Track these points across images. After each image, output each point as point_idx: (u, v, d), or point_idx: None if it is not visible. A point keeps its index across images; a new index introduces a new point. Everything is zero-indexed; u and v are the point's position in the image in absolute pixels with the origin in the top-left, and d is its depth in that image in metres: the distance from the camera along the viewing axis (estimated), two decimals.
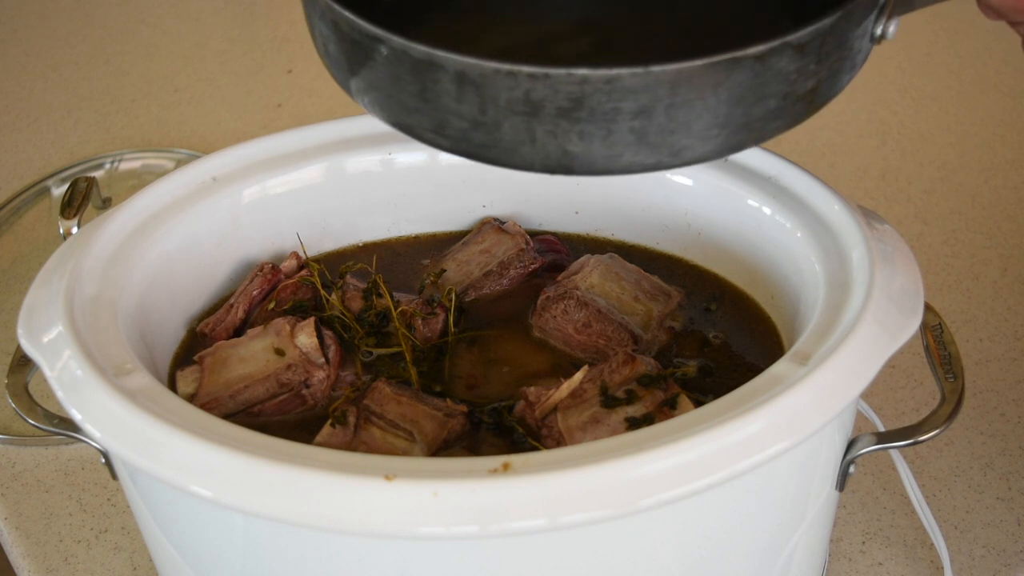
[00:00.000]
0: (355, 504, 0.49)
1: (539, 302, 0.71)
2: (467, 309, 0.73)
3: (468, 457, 0.59)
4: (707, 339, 0.70)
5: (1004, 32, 0.63)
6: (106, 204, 0.98)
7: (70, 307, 0.60)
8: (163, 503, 0.59)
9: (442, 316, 0.70)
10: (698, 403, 0.60)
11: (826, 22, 0.54)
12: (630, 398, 0.61)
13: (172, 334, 0.70)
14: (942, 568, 0.72)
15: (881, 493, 0.80)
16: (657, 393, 0.61)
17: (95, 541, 0.79)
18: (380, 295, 0.71)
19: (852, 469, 0.62)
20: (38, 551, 0.78)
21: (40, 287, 0.63)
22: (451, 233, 0.80)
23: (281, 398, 0.65)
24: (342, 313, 0.70)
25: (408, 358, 0.68)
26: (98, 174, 1.18)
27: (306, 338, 0.66)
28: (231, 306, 0.71)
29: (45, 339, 0.59)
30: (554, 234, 0.79)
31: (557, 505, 0.49)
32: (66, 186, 1.00)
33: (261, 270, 0.72)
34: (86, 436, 0.59)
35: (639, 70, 0.52)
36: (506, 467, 0.49)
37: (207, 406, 0.64)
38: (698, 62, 0.52)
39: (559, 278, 0.72)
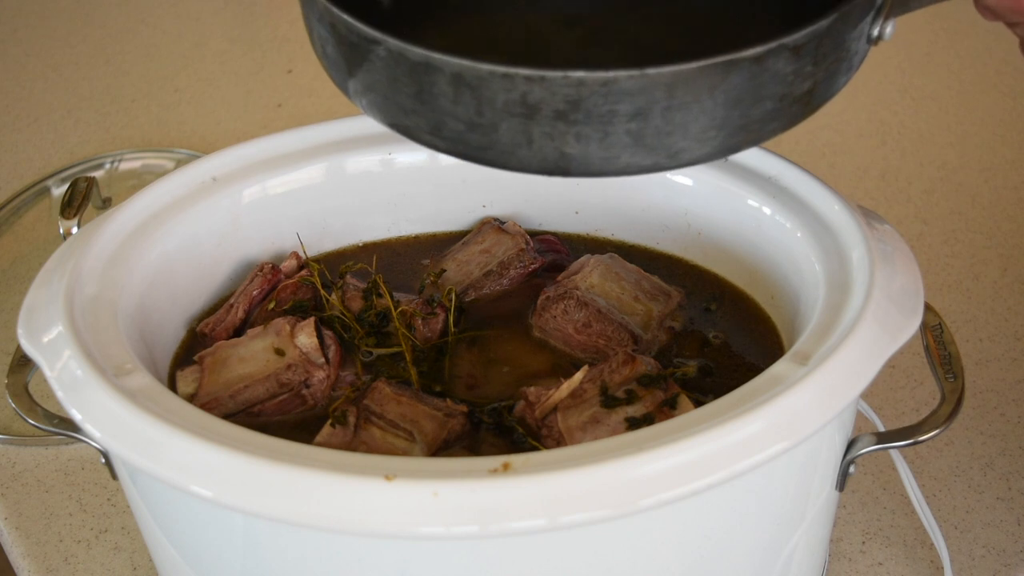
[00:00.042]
0: (355, 504, 0.49)
1: (539, 302, 0.71)
2: (467, 309, 0.73)
3: (468, 457, 0.59)
4: (707, 339, 0.70)
5: (1004, 32, 0.63)
6: (106, 204, 0.98)
7: (70, 307, 0.60)
8: (163, 503, 0.59)
9: (442, 316, 0.70)
10: (698, 403, 0.60)
11: (822, 24, 0.54)
12: (630, 398, 0.61)
13: (172, 334, 0.70)
14: (942, 568, 0.72)
15: (881, 493, 0.80)
16: (657, 393, 0.61)
17: (95, 541, 0.79)
18: (380, 295, 0.71)
19: (852, 469, 0.62)
20: (38, 551, 0.78)
21: (40, 287, 0.63)
22: (451, 233, 0.80)
23: (281, 398, 0.65)
24: (342, 313, 0.70)
25: (408, 358, 0.68)
26: (98, 174, 1.18)
27: (306, 338, 0.66)
28: (231, 306, 0.71)
29: (45, 339, 0.59)
30: (554, 234, 0.79)
31: (557, 505, 0.49)
32: (66, 186, 1.00)
33: (261, 270, 0.72)
34: (86, 436, 0.59)
35: (635, 72, 0.52)
36: (506, 467, 0.49)
37: (207, 406, 0.64)
38: (694, 64, 0.52)
39: (559, 278, 0.72)
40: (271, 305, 0.71)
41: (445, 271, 0.75)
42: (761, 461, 0.51)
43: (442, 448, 0.62)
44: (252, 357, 0.66)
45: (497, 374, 0.68)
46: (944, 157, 1.17)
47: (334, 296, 0.72)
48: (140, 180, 1.17)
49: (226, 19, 1.54)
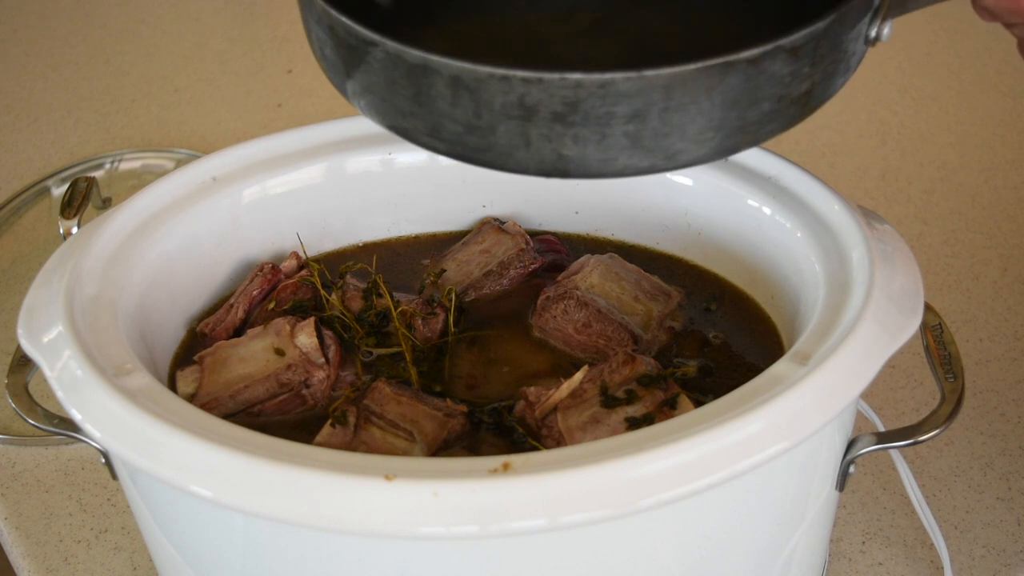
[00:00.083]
0: (355, 504, 0.49)
1: (539, 302, 0.71)
2: (467, 309, 0.73)
3: (468, 457, 0.59)
4: (707, 339, 0.70)
5: (1004, 32, 0.63)
6: (106, 204, 0.98)
7: (70, 307, 0.60)
8: (163, 503, 0.59)
9: (442, 316, 0.70)
10: (698, 403, 0.60)
11: (820, 25, 0.54)
12: (630, 398, 0.61)
13: (172, 334, 0.70)
14: (942, 568, 0.72)
15: (881, 493, 0.80)
16: (657, 393, 0.61)
17: (95, 541, 0.79)
18: (380, 295, 0.71)
19: (852, 469, 0.62)
20: (38, 551, 0.78)
21: (40, 287, 0.63)
22: (451, 233, 0.80)
23: (281, 398, 0.65)
24: (342, 313, 0.70)
25: (408, 358, 0.68)
26: (98, 174, 1.18)
27: (306, 338, 0.66)
28: (231, 306, 0.71)
29: (45, 339, 0.59)
30: (554, 234, 0.79)
31: (557, 505, 0.49)
32: (66, 186, 1.00)
33: (261, 270, 0.72)
34: (86, 436, 0.59)
35: (633, 74, 0.52)
36: (506, 467, 0.49)
37: (207, 406, 0.64)
38: (691, 66, 0.52)
39: (559, 278, 0.72)
40: (271, 305, 0.71)
41: (445, 271, 0.75)
42: (761, 461, 0.51)
43: (442, 448, 0.62)
44: (252, 357, 0.66)
45: (497, 374, 0.68)
46: (944, 157, 1.17)
47: (334, 296, 0.72)
48: (140, 180, 1.17)
49: (226, 19, 1.54)
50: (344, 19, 0.57)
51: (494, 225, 0.77)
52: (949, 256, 1.03)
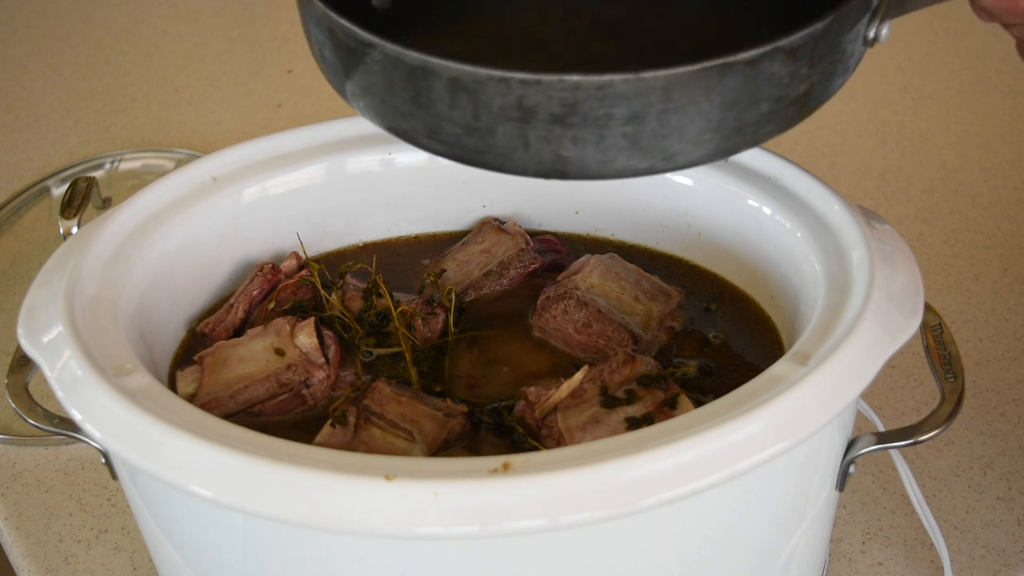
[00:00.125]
0: (355, 504, 0.49)
1: (539, 302, 0.71)
2: (467, 309, 0.73)
3: (468, 457, 0.59)
4: (707, 339, 0.70)
5: (1004, 32, 0.63)
6: (106, 204, 0.98)
7: (70, 307, 0.60)
8: (163, 503, 0.59)
9: (442, 316, 0.70)
10: (698, 403, 0.60)
11: (818, 26, 0.54)
12: (630, 398, 0.61)
13: (172, 334, 0.70)
14: (942, 568, 0.72)
15: (881, 493, 0.80)
16: (657, 393, 0.61)
17: (95, 541, 0.79)
18: (380, 295, 0.71)
19: (852, 469, 0.62)
20: (38, 551, 0.78)
21: (40, 287, 0.63)
22: (451, 233, 0.80)
23: (281, 398, 0.65)
24: (342, 313, 0.70)
25: (408, 358, 0.68)
26: (98, 174, 1.18)
27: (306, 338, 0.66)
28: (231, 306, 0.71)
29: (45, 339, 0.59)
30: (554, 234, 0.79)
31: (557, 505, 0.49)
32: (66, 186, 1.00)
33: (261, 270, 0.72)
34: (86, 436, 0.59)
35: (631, 76, 0.52)
36: (506, 467, 0.49)
37: (207, 406, 0.64)
38: (690, 68, 0.52)
39: (559, 278, 0.72)
40: (271, 305, 0.71)
41: (445, 271, 0.75)
42: (761, 461, 0.51)
43: (442, 448, 0.62)
44: (252, 357, 0.66)
45: (497, 374, 0.68)
46: (944, 157, 1.17)
47: (334, 296, 0.72)
48: (140, 180, 1.17)
49: (226, 19, 1.54)
50: (343, 21, 0.57)
51: (494, 225, 0.77)
52: (949, 256, 1.03)
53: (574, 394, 0.62)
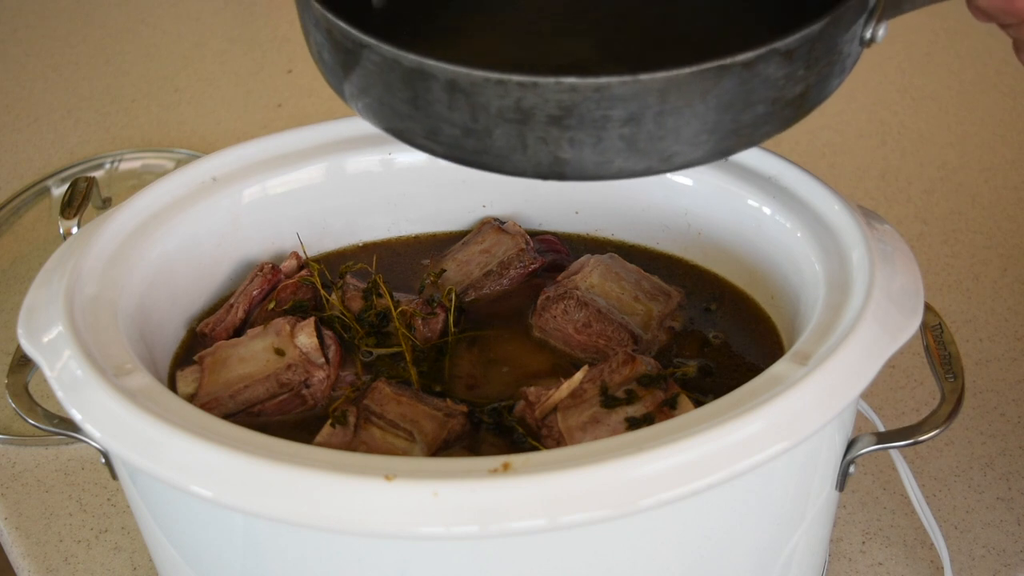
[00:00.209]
0: (355, 504, 0.49)
1: (539, 302, 0.71)
2: (467, 309, 0.73)
3: (468, 457, 0.59)
4: (707, 339, 0.70)
5: (1004, 33, 0.63)
6: (106, 204, 0.98)
7: (70, 307, 0.60)
8: (163, 503, 0.59)
9: (442, 316, 0.70)
10: (698, 403, 0.60)
11: (814, 28, 0.55)
12: (630, 398, 0.61)
13: (172, 334, 0.70)
14: (942, 568, 0.72)
15: (881, 493, 0.80)
16: (657, 393, 0.61)
17: (95, 541, 0.79)
18: (380, 295, 0.71)
19: (852, 469, 0.62)
20: (38, 551, 0.78)
21: (40, 287, 0.63)
22: (451, 233, 0.80)
23: (281, 398, 0.65)
24: (342, 313, 0.70)
25: (408, 358, 0.68)
26: (98, 174, 1.18)
27: (306, 338, 0.66)
28: (231, 306, 0.71)
29: (45, 339, 0.59)
30: (554, 234, 0.79)
31: (557, 505, 0.49)
32: (66, 186, 1.00)
33: (261, 270, 0.72)
34: (86, 436, 0.59)
35: (628, 78, 0.52)
36: (506, 467, 0.49)
37: (207, 406, 0.64)
38: (686, 70, 0.53)
39: (559, 278, 0.72)
40: (271, 305, 0.71)
41: (445, 271, 0.75)
42: (761, 461, 0.51)
43: (442, 448, 0.62)
44: (252, 357, 0.66)
45: (497, 374, 0.68)
46: (944, 157, 1.17)
47: (334, 296, 0.72)
48: (140, 180, 1.17)
49: (226, 19, 1.54)
50: (341, 23, 0.57)
51: (494, 225, 0.77)
52: (949, 256, 1.03)
53: (574, 394, 0.62)
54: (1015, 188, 1.12)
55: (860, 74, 1.29)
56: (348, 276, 0.73)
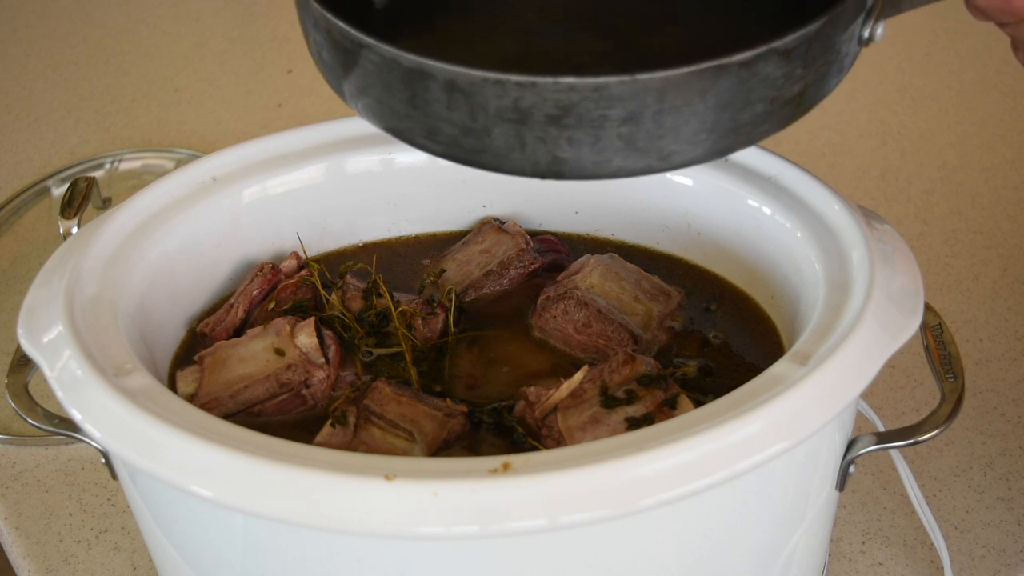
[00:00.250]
0: (355, 504, 0.49)
1: (539, 302, 0.71)
2: (467, 309, 0.73)
3: (468, 457, 0.59)
4: (707, 339, 0.70)
5: (1003, 32, 0.63)
6: (106, 204, 0.98)
7: (70, 307, 0.60)
8: (163, 503, 0.59)
9: (442, 316, 0.70)
10: (698, 403, 0.60)
11: (812, 27, 0.55)
12: (630, 398, 0.61)
13: (172, 334, 0.70)
14: (942, 568, 0.72)
15: (881, 493, 0.80)
16: (657, 393, 0.61)
17: (95, 541, 0.79)
18: (380, 295, 0.71)
19: (852, 469, 0.62)
20: (38, 551, 0.78)
21: (40, 287, 0.63)
22: (451, 233, 0.80)
23: (281, 398, 0.65)
24: (342, 313, 0.70)
25: (408, 358, 0.68)
26: (98, 174, 1.18)
27: (306, 338, 0.66)
28: (231, 306, 0.71)
29: (45, 339, 0.59)
30: (554, 234, 0.79)
31: (557, 505, 0.49)
32: (66, 186, 1.00)
33: (261, 270, 0.72)
34: (86, 436, 0.59)
35: (626, 78, 0.52)
36: (506, 467, 0.49)
37: (207, 406, 0.64)
38: (684, 70, 0.53)
39: (559, 278, 0.72)
40: (271, 305, 0.71)
41: (445, 271, 0.75)
42: (761, 461, 0.51)
43: (442, 448, 0.62)
44: (252, 357, 0.66)
45: (497, 374, 0.68)
46: (944, 157, 1.17)
47: (334, 296, 0.72)
48: (140, 180, 1.17)
49: (226, 19, 1.54)
50: (340, 23, 0.57)
51: (494, 225, 0.77)
52: (949, 256, 1.03)
53: (574, 394, 0.62)
54: (1015, 188, 1.12)
55: (860, 74, 1.29)
56: (348, 276, 0.73)
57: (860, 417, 0.72)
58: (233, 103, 1.33)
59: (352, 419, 0.62)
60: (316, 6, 0.58)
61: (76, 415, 0.54)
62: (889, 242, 0.64)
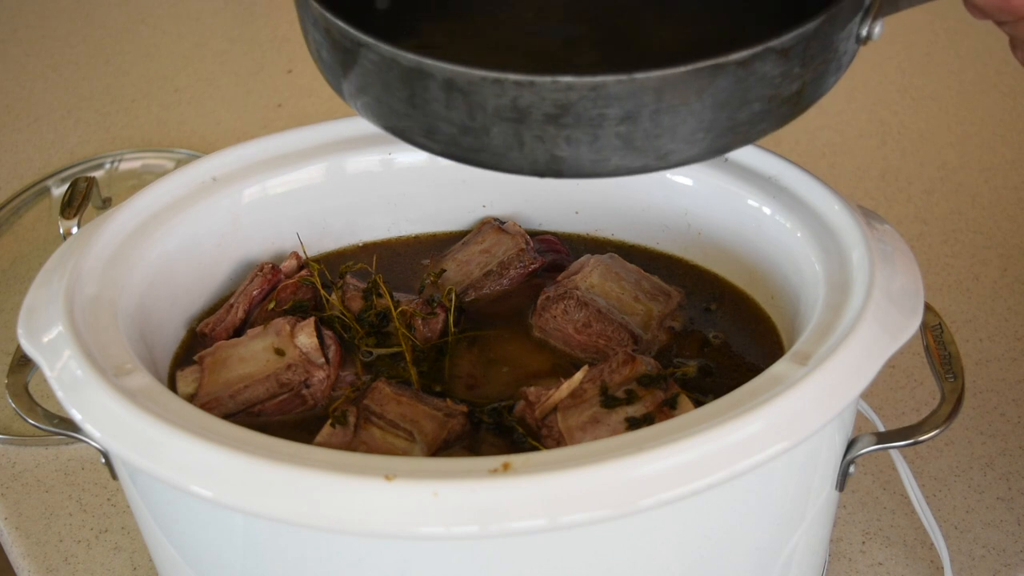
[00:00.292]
0: (355, 504, 0.49)
1: (539, 302, 0.71)
2: (467, 309, 0.73)
3: (468, 457, 0.59)
4: (707, 339, 0.70)
5: (1002, 31, 0.63)
6: (106, 204, 0.98)
7: (70, 307, 0.60)
8: (163, 503, 0.59)
9: (442, 316, 0.70)
10: (698, 403, 0.60)
11: (809, 26, 0.55)
12: (630, 398, 0.61)
13: (172, 334, 0.70)
14: (942, 568, 0.72)
15: (881, 493, 0.80)
16: (657, 393, 0.61)
17: (95, 541, 0.79)
18: (380, 295, 0.71)
19: (852, 469, 0.62)
20: (38, 551, 0.78)
21: (40, 287, 0.63)
22: (451, 233, 0.80)
23: (281, 398, 0.65)
24: (342, 313, 0.70)
25: (408, 358, 0.68)
26: (98, 174, 1.18)
27: (306, 338, 0.66)
28: (231, 306, 0.71)
29: (45, 339, 0.59)
30: (554, 234, 0.79)
31: (557, 505, 0.49)
32: (66, 186, 1.00)
33: (261, 270, 0.72)
34: (86, 436, 0.59)
35: (624, 77, 0.52)
36: (506, 467, 0.49)
37: (207, 406, 0.64)
38: (681, 69, 0.53)
39: (559, 278, 0.72)
40: (271, 305, 0.71)
41: (445, 271, 0.75)
42: (761, 461, 0.51)
43: (442, 448, 0.62)
44: (252, 357, 0.66)
45: (497, 374, 0.68)
46: (944, 157, 1.17)
47: (334, 296, 0.72)
48: (140, 180, 1.17)
49: (226, 19, 1.54)
50: (339, 22, 0.57)
51: (494, 225, 0.77)
52: (949, 256, 1.03)
53: (574, 394, 0.62)
54: (1015, 188, 1.12)
55: (860, 74, 1.30)
56: (348, 276, 0.73)
57: (860, 417, 0.72)
58: (233, 103, 1.33)
59: (352, 419, 0.62)
60: (315, 5, 0.58)
61: (76, 415, 0.54)
62: (889, 242, 0.64)
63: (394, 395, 0.64)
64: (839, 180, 1.13)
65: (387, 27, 0.66)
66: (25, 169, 1.21)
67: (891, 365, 0.87)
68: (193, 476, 0.51)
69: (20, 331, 0.60)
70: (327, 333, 0.68)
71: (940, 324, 0.66)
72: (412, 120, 0.57)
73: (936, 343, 0.64)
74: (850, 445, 0.61)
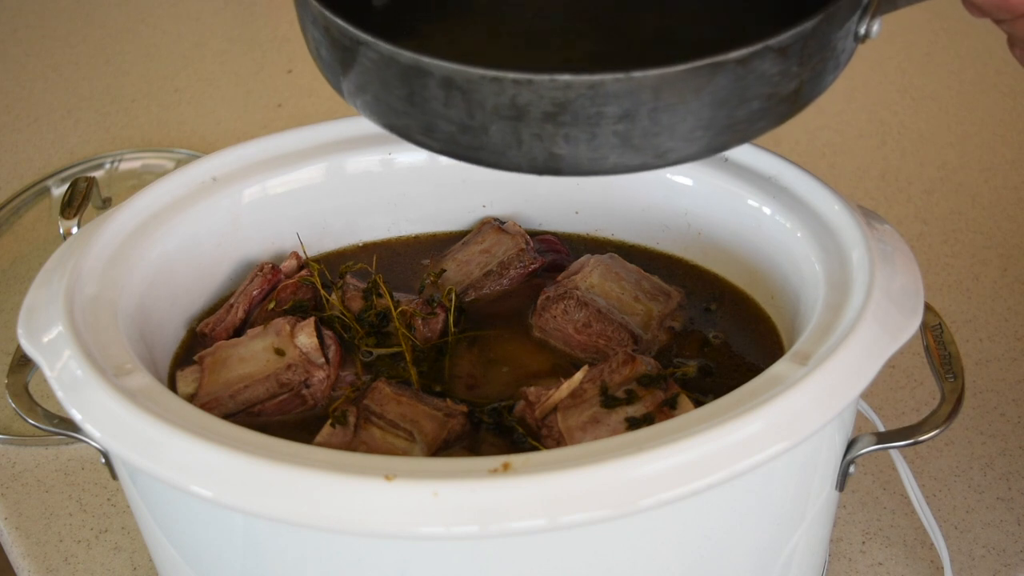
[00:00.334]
0: (355, 504, 0.49)
1: (539, 302, 0.71)
2: (467, 309, 0.73)
3: (468, 457, 0.59)
4: (707, 339, 0.70)
5: (1000, 29, 0.63)
6: (106, 204, 0.98)
7: (70, 307, 0.60)
8: (163, 503, 0.59)
9: (442, 316, 0.70)
10: (698, 403, 0.60)
11: (808, 25, 0.55)
12: (630, 398, 0.61)
13: (172, 334, 0.70)
14: (942, 568, 0.72)
15: (881, 493, 0.80)
16: (657, 393, 0.61)
17: (95, 541, 0.79)
18: (380, 295, 0.71)
19: (852, 469, 0.62)
20: (38, 551, 0.78)
21: (40, 287, 0.63)
22: (451, 233, 0.80)
23: (281, 398, 0.65)
24: (342, 313, 0.70)
25: (408, 358, 0.68)
26: (98, 174, 1.18)
27: (306, 338, 0.66)
28: (231, 306, 0.71)
29: (45, 339, 0.59)
30: (554, 234, 0.79)
31: (557, 505, 0.49)
32: (66, 186, 1.00)
33: (261, 270, 0.72)
34: (86, 436, 0.59)
35: (621, 76, 0.52)
36: (506, 467, 0.49)
37: (207, 406, 0.64)
38: (680, 67, 0.53)
39: (559, 278, 0.72)
40: (271, 305, 0.71)
41: (445, 271, 0.75)
42: (761, 461, 0.51)
43: (442, 448, 0.62)
44: (252, 357, 0.66)
45: (497, 374, 0.68)
46: (944, 157, 1.17)
47: (334, 296, 0.72)
48: (140, 180, 1.17)
49: (226, 19, 1.54)
50: (338, 20, 0.57)
51: (494, 225, 0.77)
52: (949, 256, 1.03)
53: (574, 394, 0.62)
54: (1015, 188, 1.12)
55: (860, 74, 1.30)
56: (348, 276, 0.73)
57: (860, 417, 0.72)
58: (233, 103, 1.33)
59: (352, 419, 0.62)
60: (314, 3, 0.58)
61: (76, 415, 0.54)
62: (889, 242, 0.64)
63: (394, 395, 0.64)
64: (839, 180, 1.13)
65: (386, 25, 0.66)
66: (25, 169, 1.21)
67: (891, 365, 0.87)
68: (193, 476, 0.51)
69: (20, 331, 0.60)
70: (327, 333, 0.68)
71: (940, 324, 0.66)
72: (411, 118, 0.57)
73: (936, 343, 0.64)
74: (850, 445, 0.61)
